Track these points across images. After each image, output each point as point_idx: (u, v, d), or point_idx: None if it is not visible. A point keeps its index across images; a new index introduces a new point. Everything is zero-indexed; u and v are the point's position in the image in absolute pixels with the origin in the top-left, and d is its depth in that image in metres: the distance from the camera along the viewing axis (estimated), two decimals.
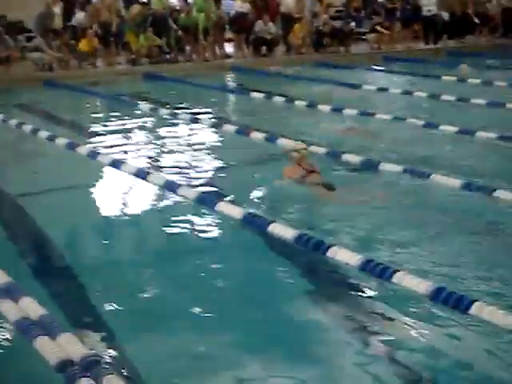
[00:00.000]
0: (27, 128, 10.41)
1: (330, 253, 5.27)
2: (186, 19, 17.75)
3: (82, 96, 14.02)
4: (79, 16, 18.11)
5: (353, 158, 8.06)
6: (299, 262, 5.48)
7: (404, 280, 4.72)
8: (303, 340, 4.22)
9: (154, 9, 18.15)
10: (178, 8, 19.22)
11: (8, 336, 4.29)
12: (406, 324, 4.32)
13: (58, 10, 17.72)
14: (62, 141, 9.47)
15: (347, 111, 11.27)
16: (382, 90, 13.74)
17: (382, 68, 17.40)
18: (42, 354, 3.89)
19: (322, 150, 8.42)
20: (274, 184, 7.23)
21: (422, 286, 4.59)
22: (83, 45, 16.71)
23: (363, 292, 4.83)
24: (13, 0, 18.29)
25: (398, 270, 4.81)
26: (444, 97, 12.36)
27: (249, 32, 18.75)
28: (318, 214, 6.67)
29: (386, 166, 7.67)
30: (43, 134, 9.97)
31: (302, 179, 7.05)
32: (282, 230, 5.76)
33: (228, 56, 19.04)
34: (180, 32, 17.85)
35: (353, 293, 4.90)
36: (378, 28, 20.05)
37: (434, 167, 7.59)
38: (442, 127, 9.77)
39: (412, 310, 4.49)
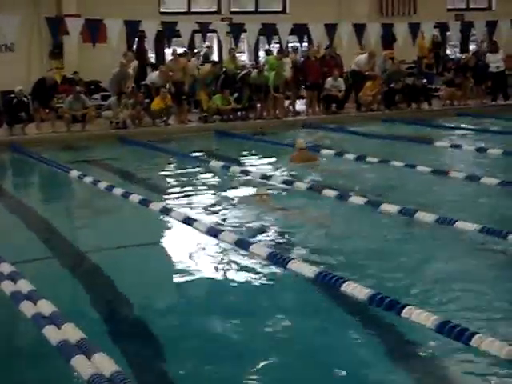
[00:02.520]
0: (102, 185, 10.60)
1: (404, 313, 5.14)
2: (257, 77, 17.98)
3: (154, 153, 14.25)
4: (153, 75, 18.57)
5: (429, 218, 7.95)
6: (373, 321, 5.36)
7: (483, 343, 4.55)
8: None
9: (226, 68, 18.49)
10: (248, 67, 19.51)
11: None
12: None
13: (131, 70, 18.19)
14: (135, 197, 9.60)
15: (420, 168, 11.11)
16: (455, 146, 13.54)
17: (455, 124, 17.19)
18: None
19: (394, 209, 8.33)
20: None
21: (504, 351, 4.41)
22: (156, 103, 17.06)
23: (439, 355, 4.68)
24: (90, 61, 18.91)
25: (477, 333, 4.64)
26: None
27: (320, 89, 18.85)
28: None
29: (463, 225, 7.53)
30: (117, 190, 10.12)
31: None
32: (355, 289, 5.66)
33: (299, 113, 19.16)
34: (251, 89, 18.05)
35: (427, 355, 4.74)
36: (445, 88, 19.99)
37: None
38: None
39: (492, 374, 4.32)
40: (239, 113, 18.15)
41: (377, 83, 19.07)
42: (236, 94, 17.75)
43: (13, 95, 16.01)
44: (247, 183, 10.75)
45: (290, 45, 20.23)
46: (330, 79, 18.58)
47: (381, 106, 19.30)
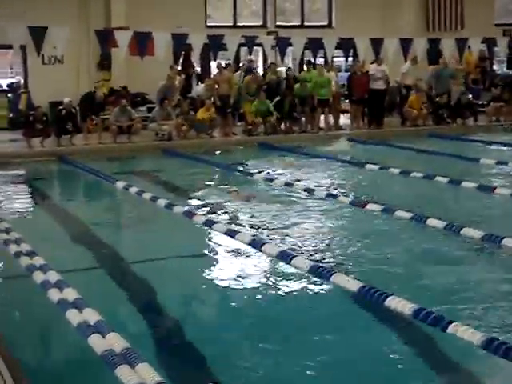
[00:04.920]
0: (146, 195, 10.71)
1: (450, 329, 5.09)
2: (301, 89, 18.00)
3: (198, 165, 14.33)
4: (198, 88, 18.73)
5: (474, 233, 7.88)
6: (417, 337, 5.33)
7: None
8: None
9: (268, 78, 18.60)
10: (291, 74, 19.45)
11: None
12: None
13: (179, 82, 18.37)
14: (179, 209, 9.68)
15: (465, 184, 11.01)
16: (502, 163, 13.37)
17: (501, 140, 16.98)
18: None
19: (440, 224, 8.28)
20: None
21: None
22: (201, 115, 17.19)
23: (485, 373, 4.62)
24: (137, 73, 19.15)
25: None
26: None
27: (365, 104, 18.82)
28: None
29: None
30: (161, 201, 10.21)
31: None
32: (398, 304, 5.62)
33: (342, 127, 19.13)
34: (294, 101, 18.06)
35: (473, 373, 4.69)
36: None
37: None
38: None
39: None
40: (283, 125, 18.19)
41: (421, 97, 18.93)
42: (277, 98, 17.74)
43: (61, 107, 16.28)
44: (290, 195, 10.76)
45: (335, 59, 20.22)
46: (374, 65, 18.52)
47: (427, 121, 19.17)
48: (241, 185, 11.89)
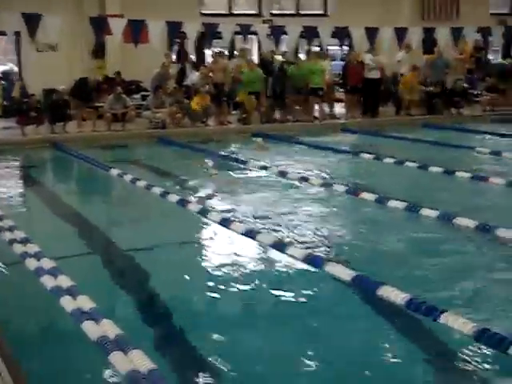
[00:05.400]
0: (141, 184, 10.71)
1: (442, 319, 5.11)
2: (296, 71, 17.93)
3: (193, 154, 14.34)
4: (193, 76, 18.71)
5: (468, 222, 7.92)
6: (409, 327, 5.35)
7: None
8: None
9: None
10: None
11: None
12: None
13: (173, 70, 18.34)
14: (173, 197, 9.68)
15: (459, 174, 11.03)
16: (495, 153, 13.38)
17: (495, 130, 16.99)
18: None
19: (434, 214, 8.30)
20: None
21: None
22: (195, 103, 17.16)
23: (477, 364, 4.64)
24: (131, 61, 19.11)
25: None
26: None
27: (360, 93, 18.82)
28: None
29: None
30: (156, 190, 10.22)
31: None
32: (391, 294, 5.64)
33: (336, 117, 19.13)
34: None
35: (465, 364, 4.71)
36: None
37: None
38: None
39: None
40: (277, 114, 18.19)
41: (416, 75, 18.84)
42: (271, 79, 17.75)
43: (55, 94, 16.22)
44: (284, 185, 10.77)
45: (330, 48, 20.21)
46: (368, 54, 18.51)
47: (420, 108, 19.19)
48: (235, 173, 11.89)
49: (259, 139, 11.82)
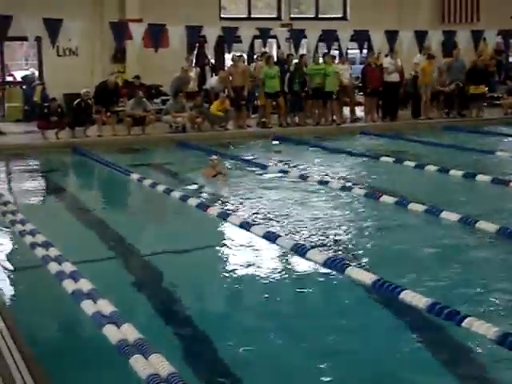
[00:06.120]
0: (160, 188, 10.73)
1: (465, 323, 5.08)
2: (314, 69, 17.94)
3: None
4: (212, 80, 18.74)
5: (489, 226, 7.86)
6: (431, 331, 5.32)
7: None
8: None
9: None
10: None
11: None
12: None
13: (193, 74, 18.37)
14: (193, 201, 9.69)
15: (480, 177, 10.96)
16: None
17: None
18: None
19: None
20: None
21: None
22: (215, 107, 17.19)
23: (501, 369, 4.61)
24: (151, 65, 19.17)
25: None
26: None
27: (379, 96, 18.77)
28: None
29: None
30: (175, 194, 10.23)
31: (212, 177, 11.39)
32: (413, 298, 5.62)
33: (357, 120, 19.09)
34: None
35: (488, 369, 4.68)
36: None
37: None
38: None
39: None
40: (296, 118, 18.19)
41: (433, 62, 18.74)
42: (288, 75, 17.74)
43: (79, 99, 16.25)
44: (304, 188, 10.75)
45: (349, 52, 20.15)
46: (387, 58, 18.46)
47: (438, 113, 19.14)
48: (254, 177, 11.90)
49: (214, 156, 11.67)
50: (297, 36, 19.13)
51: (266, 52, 19.33)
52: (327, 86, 17.89)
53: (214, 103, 17.38)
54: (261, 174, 12.19)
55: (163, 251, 7.70)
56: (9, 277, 6.81)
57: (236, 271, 6.90)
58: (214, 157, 11.83)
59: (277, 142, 16.37)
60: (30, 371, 4.24)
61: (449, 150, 14.49)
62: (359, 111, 19.63)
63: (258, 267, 6.96)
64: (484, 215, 8.33)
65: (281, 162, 13.46)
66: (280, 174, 12.02)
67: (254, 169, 12.79)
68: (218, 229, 8.64)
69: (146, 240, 8.39)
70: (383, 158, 13.30)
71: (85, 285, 6.07)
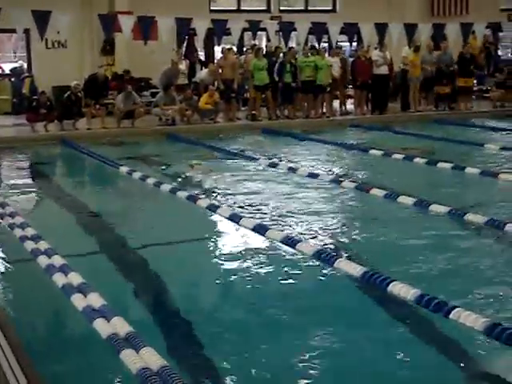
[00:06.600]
0: (150, 181, 10.72)
1: (453, 315, 5.11)
2: (305, 60, 17.90)
3: (202, 150, 14.34)
4: (202, 73, 18.72)
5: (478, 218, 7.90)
6: (418, 322, 5.35)
7: None
8: None
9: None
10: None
11: None
12: None
13: (183, 67, 18.33)
14: (183, 194, 9.69)
15: (469, 170, 11.01)
16: (506, 149, 13.33)
17: (505, 126, 16.94)
18: None
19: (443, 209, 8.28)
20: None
21: None
22: (204, 100, 17.17)
23: (488, 359, 4.64)
24: (141, 58, 19.12)
25: None
26: None
27: (369, 89, 18.79)
28: None
29: None
30: (165, 186, 10.23)
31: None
32: (401, 290, 5.64)
33: (347, 113, 19.11)
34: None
35: (477, 360, 4.71)
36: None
37: None
38: None
39: None
40: (286, 111, 18.20)
41: (419, 54, 18.77)
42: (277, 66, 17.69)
43: (69, 92, 16.19)
44: (292, 180, 10.76)
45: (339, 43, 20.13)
46: (376, 51, 18.47)
47: (428, 106, 19.19)
48: (244, 170, 11.90)
49: (194, 161, 11.94)
50: (286, 28, 19.13)
51: (255, 45, 19.33)
52: (319, 79, 17.89)
53: (203, 96, 17.35)
54: (250, 167, 12.19)
55: (153, 244, 7.70)
56: None
57: (227, 264, 6.90)
58: (194, 161, 12.16)
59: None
60: (19, 363, 4.23)
61: (438, 143, 14.53)
62: (349, 104, 19.66)
63: (248, 259, 6.97)
64: (473, 207, 8.37)
65: (270, 154, 13.45)
66: (269, 167, 12.03)
67: (243, 161, 12.80)
68: (208, 221, 8.65)
69: (136, 233, 8.38)
70: (373, 151, 13.33)
71: (75, 278, 6.06)
